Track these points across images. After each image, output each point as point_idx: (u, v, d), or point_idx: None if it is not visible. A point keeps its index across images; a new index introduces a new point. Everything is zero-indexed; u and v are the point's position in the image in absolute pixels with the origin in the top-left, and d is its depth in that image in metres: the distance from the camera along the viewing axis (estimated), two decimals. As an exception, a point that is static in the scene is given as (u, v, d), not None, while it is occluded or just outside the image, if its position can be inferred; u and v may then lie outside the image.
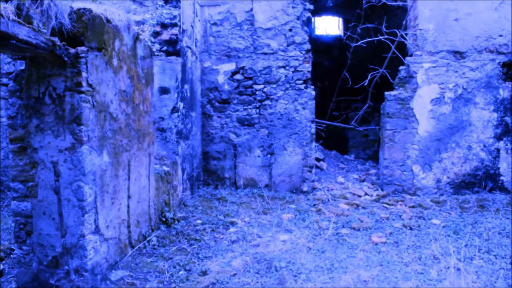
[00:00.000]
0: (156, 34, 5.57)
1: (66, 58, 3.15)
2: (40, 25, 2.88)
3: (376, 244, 4.59)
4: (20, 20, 2.52)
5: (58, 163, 3.28)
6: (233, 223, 5.22)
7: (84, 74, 3.22)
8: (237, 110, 7.10)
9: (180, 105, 5.88)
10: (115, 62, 3.73)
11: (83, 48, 3.23)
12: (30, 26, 2.66)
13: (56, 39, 2.97)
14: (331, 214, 5.64)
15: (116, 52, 3.75)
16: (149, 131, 4.69)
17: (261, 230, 4.98)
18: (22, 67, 3.29)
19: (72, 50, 3.15)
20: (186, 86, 6.14)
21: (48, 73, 3.23)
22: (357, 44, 7.42)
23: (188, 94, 6.26)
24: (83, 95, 3.23)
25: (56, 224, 3.34)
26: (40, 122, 3.29)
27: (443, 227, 5.22)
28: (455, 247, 4.42)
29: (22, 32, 2.56)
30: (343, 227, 5.17)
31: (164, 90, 5.71)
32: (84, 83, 3.23)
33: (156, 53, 5.45)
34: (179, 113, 5.84)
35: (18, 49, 2.64)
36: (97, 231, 3.48)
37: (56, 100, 3.25)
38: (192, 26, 6.35)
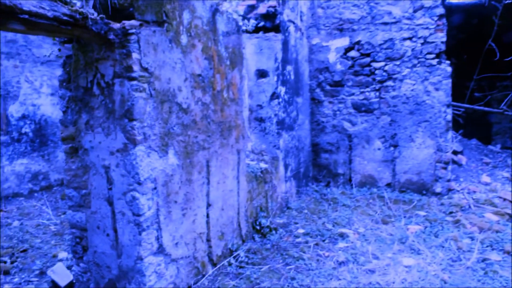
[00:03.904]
0: (251, 8, 4.74)
1: (112, 36, 2.47)
2: (70, -6, 2.22)
3: (547, 281, 3.20)
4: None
5: (110, 168, 2.66)
6: (343, 236, 4.21)
7: (135, 55, 2.52)
8: (352, 94, 5.96)
9: (281, 90, 4.99)
10: (183, 39, 2.98)
11: (132, 22, 2.51)
12: (45, -8, 2.00)
13: (91, 11, 2.29)
14: (473, 227, 4.28)
15: (185, 26, 2.99)
16: (238, 123, 3.90)
17: (378, 248, 3.89)
18: (70, 53, 2.72)
19: (116, 25, 2.45)
20: (289, 68, 5.22)
21: (96, 57, 2.60)
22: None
23: (292, 77, 5.34)
24: (134, 82, 2.53)
25: (111, 241, 2.74)
26: (90, 118, 2.69)
27: None
28: None
29: (29, 2, 1.90)
30: (492, 249, 3.80)
31: (261, 73, 4.88)
32: (135, 67, 2.53)
33: (251, 30, 4.63)
34: (280, 100, 4.96)
35: (32, 25, 2.00)
36: (161, 251, 2.80)
37: (105, 90, 2.61)
38: (296, -3, 5.39)
